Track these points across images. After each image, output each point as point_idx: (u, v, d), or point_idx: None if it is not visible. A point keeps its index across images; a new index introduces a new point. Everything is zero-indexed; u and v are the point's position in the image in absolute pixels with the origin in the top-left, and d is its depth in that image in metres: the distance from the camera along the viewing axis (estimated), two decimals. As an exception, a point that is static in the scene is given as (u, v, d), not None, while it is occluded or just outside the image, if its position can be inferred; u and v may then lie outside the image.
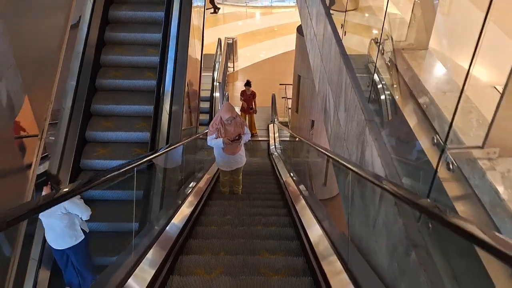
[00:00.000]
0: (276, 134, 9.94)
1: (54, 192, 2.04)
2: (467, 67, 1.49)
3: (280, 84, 11.42)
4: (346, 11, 3.80)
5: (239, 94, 10.41)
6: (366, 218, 2.61)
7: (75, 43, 4.96)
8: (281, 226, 4.11)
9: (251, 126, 10.39)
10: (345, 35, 3.45)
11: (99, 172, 1.94)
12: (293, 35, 8.38)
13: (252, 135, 10.81)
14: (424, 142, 1.95)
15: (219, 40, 12.84)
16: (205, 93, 9.87)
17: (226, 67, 13.02)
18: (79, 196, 3.32)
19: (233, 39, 13.89)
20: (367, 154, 2.68)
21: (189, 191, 4.55)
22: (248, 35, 16.28)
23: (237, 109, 7.00)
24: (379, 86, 2.88)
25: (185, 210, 3.96)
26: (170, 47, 5.69)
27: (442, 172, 1.69)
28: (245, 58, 14.73)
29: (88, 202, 3.48)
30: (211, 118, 9.28)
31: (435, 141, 1.72)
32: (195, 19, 6.92)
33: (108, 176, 1.97)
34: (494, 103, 1.56)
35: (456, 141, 1.70)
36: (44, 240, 3.60)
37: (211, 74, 10.77)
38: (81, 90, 5.21)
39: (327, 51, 4.32)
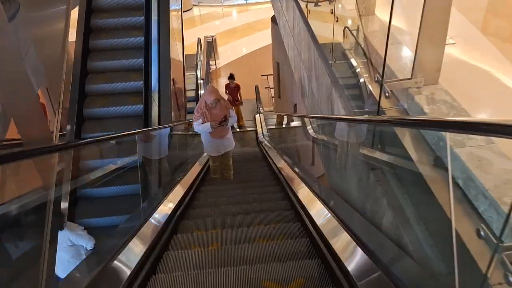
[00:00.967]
0: (263, 123, 10.39)
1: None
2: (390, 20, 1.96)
3: (262, 75, 11.86)
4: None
5: (223, 90, 10.81)
6: (339, 167, 3.09)
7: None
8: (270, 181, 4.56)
9: (239, 118, 10.69)
10: (309, 13, 3.91)
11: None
12: (270, 30, 8.78)
13: (240, 126, 11.23)
14: (370, 84, 2.42)
15: (199, 39, 13.23)
16: (190, 93, 10.26)
17: (208, 64, 13.42)
18: (82, 228, 3.37)
19: (212, 37, 14.29)
20: (335, 108, 3.14)
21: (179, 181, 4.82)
22: (227, 33, 16.70)
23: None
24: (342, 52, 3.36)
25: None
26: (153, 50, 6.07)
27: (383, 101, 2.15)
28: (226, 55, 15.15)
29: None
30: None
31: (375, 79, 2.19)
32: (174, 23, 7.31)
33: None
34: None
35: (392, 76, 2.16)
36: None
37: (194, 73, 11.17)
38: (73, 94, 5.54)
39: (297, 32, 4.78)
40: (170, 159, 5.28)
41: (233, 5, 19.64)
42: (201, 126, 4.74)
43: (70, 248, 3.27)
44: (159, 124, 5.51)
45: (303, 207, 3.14)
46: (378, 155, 2.20)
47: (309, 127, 5.23)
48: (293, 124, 9.85)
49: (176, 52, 7.43)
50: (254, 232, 3.09)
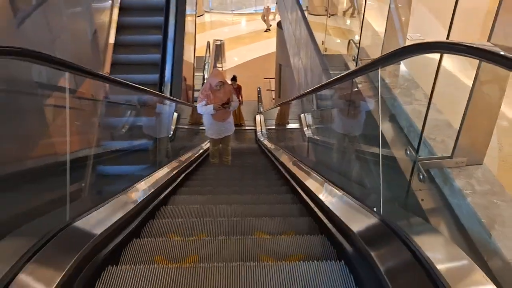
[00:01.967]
0: (263, 123, 10.98)
1: None
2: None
3: (264, 78, 12.52)
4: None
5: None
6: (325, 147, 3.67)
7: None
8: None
9: (239, 117, 11.22)
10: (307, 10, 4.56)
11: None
12: (275, 38, 9.41)
13: (240, 125, 11.76)
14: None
15: (208, 43, 13.94)
16: (197, 94, 10.93)
17: (215, 67, 14.09)
18: None
19: (221, 41, 15.00)
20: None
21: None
22: (235, 39, 17.45)
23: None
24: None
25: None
26: (168, 48, 6.74)
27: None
28: (232, 60, 15.86)
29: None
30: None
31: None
32: (188, 27, 8.02)
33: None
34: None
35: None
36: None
37: (202, 73, 11.84)
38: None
39: (299, 32, 5.42)
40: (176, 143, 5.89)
41: (243, 14, 20.44)
42: (204, 108, 4.92)
43: None
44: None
45: (289, 172, 3.71)
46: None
47: (305, 128, 5.80)
48: (291, 126, 10.43)
49: (188, 53, 8.11)
50: (246, 191, 3.67)
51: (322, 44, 4.20)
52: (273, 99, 11.37)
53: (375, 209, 1.65)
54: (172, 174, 3.72)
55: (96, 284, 1.51)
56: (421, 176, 1.85)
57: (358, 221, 1.74)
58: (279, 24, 8.85)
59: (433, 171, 1.95)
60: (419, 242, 1.24)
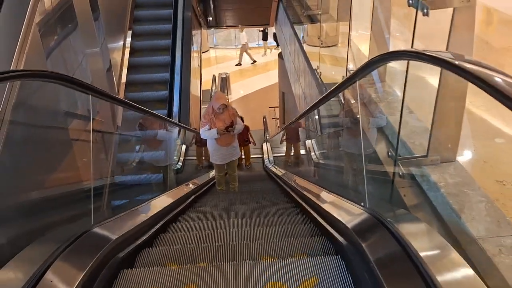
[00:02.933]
0: (270, 151, 11.28)
1: None
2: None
3: (269, 107, 12.97)
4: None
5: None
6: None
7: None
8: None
9: (246, 157, 10.36)
10: (304, 42, 4.98)
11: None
12: (277, 70, 9.81)
13: (247, 166, 11.29)
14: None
15: (214, 76, 14.57)
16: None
17: (221, 99, 14.64)
18: None
19: (226, 74, 15.65)
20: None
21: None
22: (239, 71, 18.14)
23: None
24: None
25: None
26: (175, 84, 7.31)
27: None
28: (237, 93, 16.44)
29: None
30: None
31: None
32: (194, 62, 8.59)
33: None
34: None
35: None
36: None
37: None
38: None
39: (297, 61, 5.83)
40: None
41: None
42: (207, 132, 4.74)
43: None
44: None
45: (293, 188, 3.99)
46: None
47: (312, 153, 6.04)
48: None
49: (194, 87, 8.64)
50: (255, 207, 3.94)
51: (317, 69, 4.60)
52: (278, 126, 11.75)
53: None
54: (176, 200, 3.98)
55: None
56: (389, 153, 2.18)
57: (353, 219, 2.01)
58: (280, 55, 9.35)
59: (414, 170, 2.23)
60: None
